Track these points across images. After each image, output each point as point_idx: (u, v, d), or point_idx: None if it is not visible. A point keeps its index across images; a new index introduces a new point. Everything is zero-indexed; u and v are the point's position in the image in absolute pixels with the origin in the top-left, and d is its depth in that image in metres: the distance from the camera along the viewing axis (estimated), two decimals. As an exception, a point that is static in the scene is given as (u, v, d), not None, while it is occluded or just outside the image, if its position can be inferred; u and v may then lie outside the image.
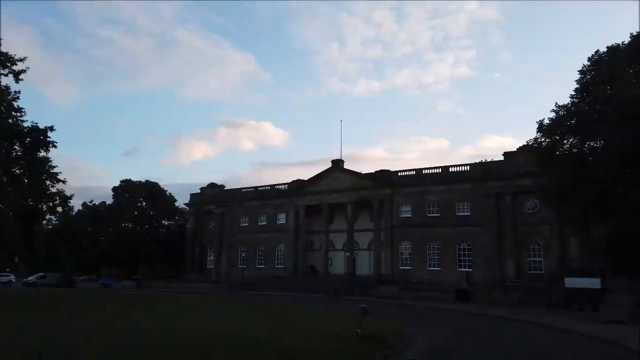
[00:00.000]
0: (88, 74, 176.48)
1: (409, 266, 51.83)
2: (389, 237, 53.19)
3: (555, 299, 35.45)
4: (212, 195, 71.37)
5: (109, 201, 77.37)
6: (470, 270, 47.49)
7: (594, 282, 32.95)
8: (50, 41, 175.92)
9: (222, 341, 15.54)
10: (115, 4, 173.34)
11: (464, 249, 48.87)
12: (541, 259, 44.68)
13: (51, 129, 35.08)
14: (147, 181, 78.69)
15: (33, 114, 69.63)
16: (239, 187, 70.71)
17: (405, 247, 52.71)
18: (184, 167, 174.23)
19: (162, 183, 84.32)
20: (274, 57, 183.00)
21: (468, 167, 50.24)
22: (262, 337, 16.73)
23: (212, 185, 72.80)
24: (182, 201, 78.81)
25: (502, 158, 48.14)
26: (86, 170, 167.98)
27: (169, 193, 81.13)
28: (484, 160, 49.62)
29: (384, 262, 53.04)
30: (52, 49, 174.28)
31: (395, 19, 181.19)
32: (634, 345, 16.49)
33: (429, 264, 50.58)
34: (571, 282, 34.15)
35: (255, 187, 68.31)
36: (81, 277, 66.78)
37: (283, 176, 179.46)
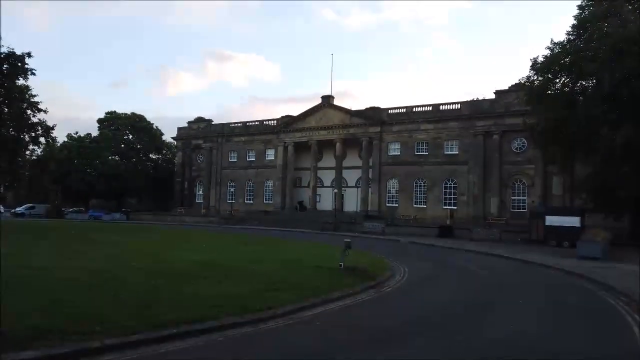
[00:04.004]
0: None
1: (396, 203, 52.66)
2: (377, 175, 53.59)
3: (536, 235, 36.45)
4: (199, 130, 70.52)
5: (95, 133, 76.18)
6: (455, 207, 48.41)
7: (573, 220, 33.75)
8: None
9: (208, 270, 15.85)
10: None
11: (449, 187, 49.53)
12: (525, 197, 45.57)
13: (29, 55, 33.78)
14: (133, 113, 77.17)
15: (9, 39, 66.45)
16: (228, 121, 69.72)
17: (392, 185, 53.30)
18: (172, 100, 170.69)
19: (149, 116, 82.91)
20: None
21: (459, 105, 49.81)
22: (250, 268, 17.07)
23: (200, 120, 71.68)
24: (169, 135, 77.99)
25: (493, 96, 47.69)
26: (70, 99, 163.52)
27: (156, 126, 79.91)
28: (475, 99, 49.21)
29: (371, 199, 53.76)
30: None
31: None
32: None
33: (415, 202, 51.42)
34: (552, 220, 34.95)
35: (244, 123, 67.45)
36: (70, 209, 67.16)
37: (274, 112, 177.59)
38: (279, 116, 63.04)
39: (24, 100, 35.06)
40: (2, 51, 33.16)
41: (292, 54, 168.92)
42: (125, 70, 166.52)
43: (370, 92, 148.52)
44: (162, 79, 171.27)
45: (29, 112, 35.20)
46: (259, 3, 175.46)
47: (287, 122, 60.75)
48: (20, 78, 34.12)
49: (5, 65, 33.69)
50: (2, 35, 33.54)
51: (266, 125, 64.27)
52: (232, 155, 67.28)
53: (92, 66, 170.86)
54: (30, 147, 43.61)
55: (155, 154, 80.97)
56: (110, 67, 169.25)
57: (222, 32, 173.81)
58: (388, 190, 53.49)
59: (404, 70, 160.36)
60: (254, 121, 66.56)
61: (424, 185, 50.99)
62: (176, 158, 73.94)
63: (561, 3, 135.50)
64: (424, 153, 51.07)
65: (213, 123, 70.91)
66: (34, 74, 34.08)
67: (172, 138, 75.55)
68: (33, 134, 36.63)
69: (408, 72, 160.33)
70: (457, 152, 49.18)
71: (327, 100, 57.86)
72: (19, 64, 33.56)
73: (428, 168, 50.42)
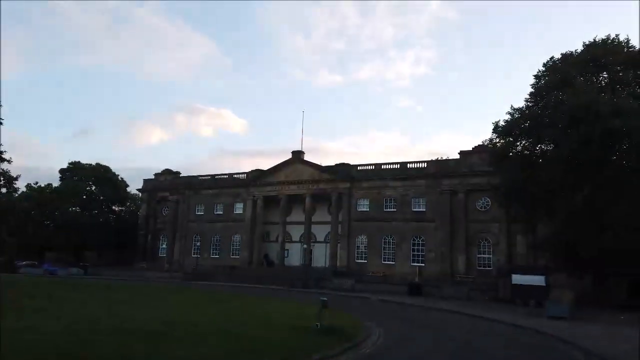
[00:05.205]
0: (36, 46, 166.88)
1: (364, 259, 52.61)
2: (346, 230, 53.74)
3: (502, 294, 36.93)
4: (166, 182, 69.49)
5: (56, 183, 73.90)
6: (424, 264, 48.78)
7: (539, 280, 34.47)
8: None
9: (180, 330, 15.24)
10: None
11: (418, 244, 50.08)
12: (490, 255, 46.51)
13: (-3, 105, 33.09)
14: (97, 164, 75.68)
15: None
16: (196, 174, 69.24)
17: (361, 241, 53.43)
18: (139, 151, 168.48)
19: (115, 167, 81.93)
20: (236, 44, 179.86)
21: (425, 164, 51.44)
22: (223, 327, 16.53)
23: (167, 172, 70.84)
24: (135, 186, 76.38)
25: (458, 156, 49.58)
26: (32, 148, 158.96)
27: (121, 178, 78.56)
28: (440, 158, 51.05)
29: (340, 254, 53.57)
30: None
31: (360, 13, 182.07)
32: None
33: (384, 258, 51.54)
34: (518, 278, 35.60)
35: (213, 176, 67.09)
36: (23, 262, 63.57)
37: (242, 165, 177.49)
38: (246, 169, 63.49)
39: (-14, 149, 34.02)
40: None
41: (261, 109, 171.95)
42: (92, 121, 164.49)
43: (339, 149, 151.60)
44: (130, 129, 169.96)
45: (-9, 161, 34.13)
46: (229, 61, 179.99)
47: (256, 176, 60.87)
48: (-15, 127, 33.29)
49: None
50: None
51: (235, 178, 64.11)
52: (199, 208, 66.26)
53: (57, 115, 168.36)
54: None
55: (118, 206, 78.87)
56: (76, 117, 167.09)
57: (192, 86, 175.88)
58: (357, 246, 53.54)
59: (371, 128, 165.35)
60: (223, 174, 66.32)
61: (392, 242, 51.39)
62: (140, 210, 72.07)
63: (517, 70, 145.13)
64: (392, 210, 51.87)
65: (181, 175, 70.22)
66: (0, 123, 33.40)
67: (138, 190, 73.99)
68: (-6, 185, 35.29)
69: (375, 130, 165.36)
70: (424, 210, 50.21)
71: (298, 155, 58.64)
72: (-14, 114, 32.84)
73: (396, 224, 51.07)
